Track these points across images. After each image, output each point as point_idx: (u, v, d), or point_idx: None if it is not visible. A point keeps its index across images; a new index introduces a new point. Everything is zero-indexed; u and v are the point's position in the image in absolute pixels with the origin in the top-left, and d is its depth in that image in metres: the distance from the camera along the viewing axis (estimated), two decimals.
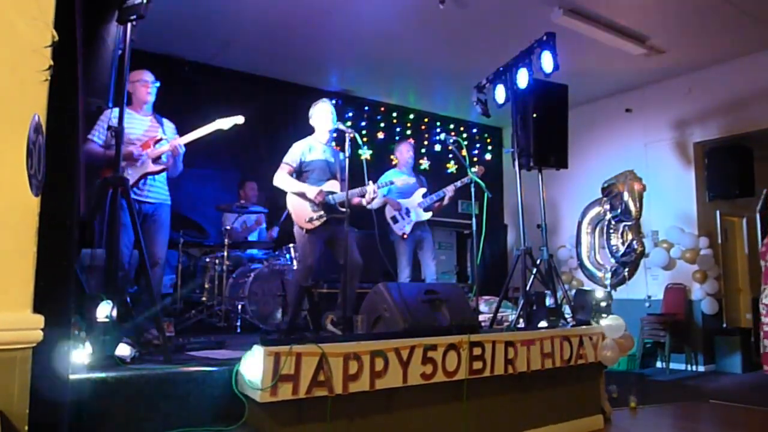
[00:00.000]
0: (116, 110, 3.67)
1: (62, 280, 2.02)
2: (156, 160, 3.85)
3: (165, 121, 4.11)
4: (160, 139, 3.92)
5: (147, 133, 3.91)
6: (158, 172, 3.88)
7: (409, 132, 8.52)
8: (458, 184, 5.33)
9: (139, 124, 3.90)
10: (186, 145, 3.90)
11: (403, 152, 5.71)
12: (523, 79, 4.74)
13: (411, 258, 5.34)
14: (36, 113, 1.61)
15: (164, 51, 6.59)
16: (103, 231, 3.15)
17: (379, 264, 5.27)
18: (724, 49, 6.60)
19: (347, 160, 3.99)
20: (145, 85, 3.90)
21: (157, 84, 3.97)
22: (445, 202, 5.47)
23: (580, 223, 5.79)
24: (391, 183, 4.88)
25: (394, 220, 5.37)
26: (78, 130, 1.96)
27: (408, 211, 5.38)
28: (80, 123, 1.97)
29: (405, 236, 5.29)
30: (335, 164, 4.49)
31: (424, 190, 5.50)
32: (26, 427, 1.66)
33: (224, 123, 3.93)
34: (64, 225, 1.93)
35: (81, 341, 2.60)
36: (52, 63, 1.61)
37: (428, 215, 5.42)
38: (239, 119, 3.96)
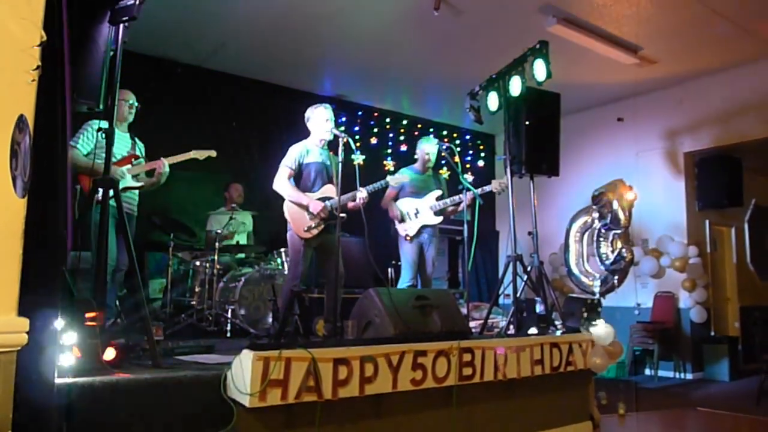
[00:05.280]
0: (100, 122, 3.87)
1: (49, 283, 2.00)
2: (134, 176, 4.06)
3: (137, 140, 4.32)
4: (138, 157, 4.14)
5: (128, 151, 4.16)
6: (136, 188, 4.09)
7: (402, 138, 8.53)
8: (479, 191, 5.00)
9: (120, 139, 4.07)
10: None
11: (421, 151, 5.46)
12: (516, 86, 4.75)
13: (415, 261, 5.14)
14: (23, 113, 1.59)
15: (157, 53, 6.57)
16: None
17: (370, 269, 5.23)
18: (715, 60, 6.66)
19: (340, 165, 4.03)
20: (130, 106, 4.15)
21: (138, 106, 4.20)
22: (460, 209, 5.19)
23: (568, 231, 5.80)
24: (386, 185, 4.77)
25: (401, 219, 5.19)
26: (67, 131, 1.94)
27: (417, 212, 5.18)
28: (69, 125, 1.95)
29: (408, 238, 5.13)
30: (331, 167, 4.49)
31: (439, 192, 5.27)
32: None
33: (199, 154, 4.27)
34: (52, 227, 1.91)
35: (68, 345, 2.57)
36: (40, 63, 1.59)
37: (438, 219, 5.20)
38: (212, 153, 4.36)
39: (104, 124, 3.85)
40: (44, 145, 1.86)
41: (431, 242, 5.26)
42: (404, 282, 5.10)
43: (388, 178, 4.77)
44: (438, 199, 5.24)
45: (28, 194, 1.71)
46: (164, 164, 4.12)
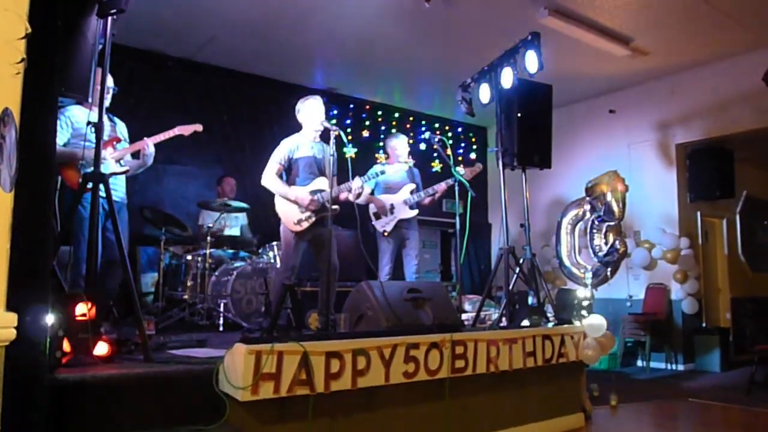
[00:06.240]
0: (72, 107, 3.74)
1: (38, 278, 1.99)
2: (117, 161, 3.87)
3: (117, 120, 4.12)
4: (120, 140, 3.95)
5: (108, 134, 3.94)
6: (121, 173, 3.90)
7: (394, 131, 8.50)
8: (450, 181, 5.09)
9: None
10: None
11: (395, 148, 5.51)
12: (507, 78, 4.74)
13: (393, 256, 5.21)
14: (8, 107, 1.57)
15: (148, 46, 6.52)
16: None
17: (362, 262, 5.23)
18: (706, 51, 6.67)
19: (332, 157, 4.03)
20: (107, 91, 3.90)
21: (116, 90, 3.97)
22: (436, 197, 5.27)
23: (559, 223, 5.81)
24: (382, 172, 4.79)
25: (377, 216, 5.25)
26: (55, 124, 1.92)
27: (393, 208, 5.24)
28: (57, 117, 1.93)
29: (386, 234, 5.17)
30: (323, 160, 4.48)
31: (413, 186, 5.32)
32: None
33: (184, 130, 4.02)
34: (40, 221, 1.89)
35: (59, 340, 2.55)
36: (24, 56, 1.57)
37: (414, 213, 5.26)
38: (198, 127, 4.07)
39: (76, 109, 3.80)
40: (32, 139, 1.84)
41: (411, 237, 5.28)
42: (382, 277, 5.11)
43: (385, 167, 4.84)
44: (412, 192, 5.29)
45: (16, 188, 1.69)
46: (149, 144, 3.96)
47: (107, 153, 3.81)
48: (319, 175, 4.45)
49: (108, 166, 3.76)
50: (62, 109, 3.80)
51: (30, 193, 1.79)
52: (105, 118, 3.96)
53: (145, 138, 3.97)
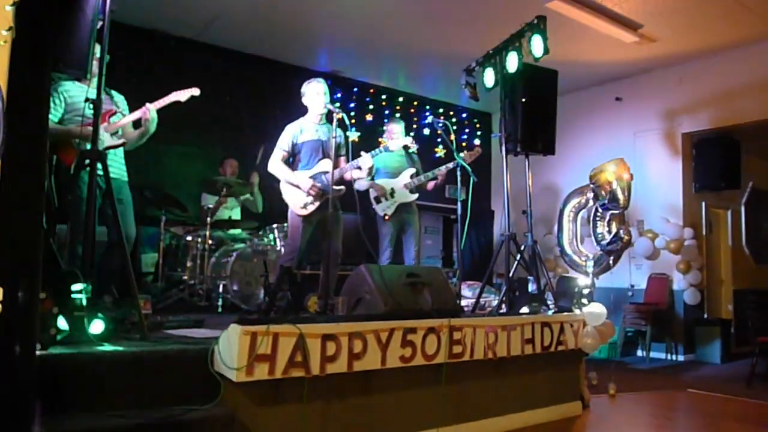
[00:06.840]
0: (66, 83, 3.64)
1: (30, 254, 1.96)
2: (113, 134, 3.74)
3: (114, 92, 3.96)
4: (115, 112, 3.82)
5: (102, 107, 3.81)
6: (118, 146, 3.75)
7: (398, 115, 8.45)
8: (450, 165, 5.06)
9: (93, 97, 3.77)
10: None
11: (392, 132, 5.52)
12: (512, 62, 4.68)
13: (393, 240, 5.19)
14: None
15: (151, 25, 6.47)
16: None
17: (361, 246, 5.19)
18: (715, 39, 6.57)
19: (334, 140, 4.04)
20: (98, 60, 3.80)
21: (108, 58, 3.85)
22: (439, 181, 5.27)
23: (561, 211, 5.77)
24: (386, 148, 4.77)
25: (377, 200, 5.22)
26: (48, 96, 1.89)
27: (393, 192, 5.22)
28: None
29: (387, 218, 5.14)
30: (328, 141, 4.47)
31: (413, 170, 5.31)
32: None
33: (180, 95, 3.85)
34: (31, 195, 1.87)
35: (53, 317, 2.54)
36: (12, 25, 1.53)
37: (414, 197, 5.24)
38: (195, 91, 3.90)
39: (70, 85, 3.73)
40: (23, 112, 1.81)
41: (412, 221, 5.26)
42: (383, 261, 5.11)
43: (389, 143, 4.82)
44: (412, 176, 5.26)
45: (5, 162, 1.66)
46: (150, 110, 3.78)
47: (102, 127, 3.65)
48: (324, 157, 4.45)
49: (103, 140, 3.63)
50: (55, 85, 3.67)
51: (19, 166, 1.76)
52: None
53: (146, 104, 3.83)
